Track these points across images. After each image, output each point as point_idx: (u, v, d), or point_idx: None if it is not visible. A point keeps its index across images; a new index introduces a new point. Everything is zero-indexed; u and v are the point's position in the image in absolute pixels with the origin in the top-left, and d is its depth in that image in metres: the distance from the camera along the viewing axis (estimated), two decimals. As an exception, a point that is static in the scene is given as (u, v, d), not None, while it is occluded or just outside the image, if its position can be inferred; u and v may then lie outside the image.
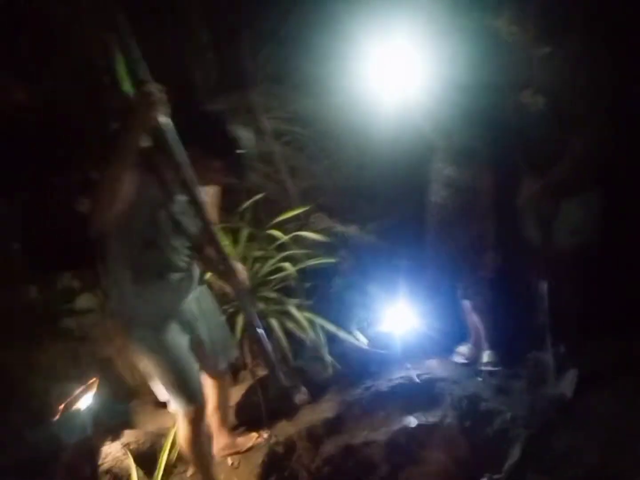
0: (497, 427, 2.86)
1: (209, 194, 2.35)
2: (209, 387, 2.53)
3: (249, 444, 2.94)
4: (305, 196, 3.92)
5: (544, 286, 2.91)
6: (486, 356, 3.28)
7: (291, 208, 3.61)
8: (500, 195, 2.87)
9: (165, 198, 2.04)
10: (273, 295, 3.38)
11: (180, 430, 2.37)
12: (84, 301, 2.74)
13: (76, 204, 2.69)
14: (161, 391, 2.26)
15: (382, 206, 4.00)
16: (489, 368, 3.23)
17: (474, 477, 2.49)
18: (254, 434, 3.00)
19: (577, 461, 2.39)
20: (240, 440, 2.96)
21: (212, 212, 2.32)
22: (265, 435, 2.99)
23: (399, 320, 3.43)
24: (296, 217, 3.67)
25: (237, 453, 2.91)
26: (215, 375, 2.55)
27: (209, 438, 2.58)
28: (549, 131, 2.54)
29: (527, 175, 2.78)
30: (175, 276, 2.18)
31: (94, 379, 2.42)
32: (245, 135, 2.08)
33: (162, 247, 2.08)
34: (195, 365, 2.27)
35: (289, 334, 3.25)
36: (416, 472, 3.17)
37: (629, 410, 2.49)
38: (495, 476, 2.47)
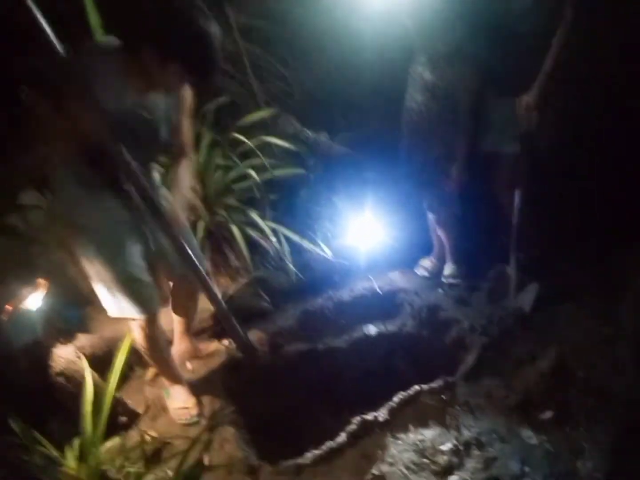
0: (455, 335, 2.93)
1: (187, 99, 2.17)
2: (176, 295, 2.51)
3: (210, 350, 2.92)
4: (273, 101, 3.69)
5: (511, 200, 2.89)
6: (448, 269, 3.31)
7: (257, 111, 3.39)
8: (477, 104, 2.75)
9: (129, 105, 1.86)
10: (236, 204, 3.24)
11: (134, 337, 2.32)
12: (28, 197, 2.55)
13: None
14: (107, 300, 2.17)
15: (355, 117, 3.83)
16: (451, 281, 3.27)
17: (430, 381, 2.55)
18: (215, 341, 2.99)
19: (531, 367, 2.48)
20: (202, 346, 2.93)
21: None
22: (226, 342, 2.97)
23: (363, 232, 3.38)
24: (262, 123, 3.47)
25: (197, 358, 2.91)
26: (182, 283, 2.46)
27: (167, 343, 2.54)
28: (535, 25, 2.41)
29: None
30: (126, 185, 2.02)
31: (44, 280, 2.29)
32: (213, 30, 1.79)
33: (115, 155, 1.89)
34: (145, 275, 2.17)
35: (251, 243, 3.17)
36: (374, 378, 3.28)
37: (588, 324, 2.56)
38: (450, 379, 2.54)
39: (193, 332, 2.90)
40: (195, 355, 2.90)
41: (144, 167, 2.06)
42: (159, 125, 2.06)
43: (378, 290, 3.30)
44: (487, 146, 2.85)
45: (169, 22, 1.72)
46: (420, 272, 3.42)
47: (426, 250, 3.47)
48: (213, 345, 2.96)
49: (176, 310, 2.65)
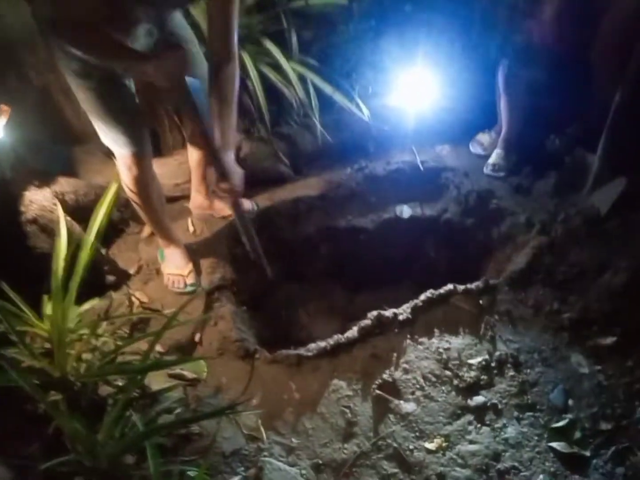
0: (506, 229, 2.43)
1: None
2: (191, 139, 2.24)
3: (226, 213, 2.53)
4: None
5: (615, 73, 2.17)
6: (494, 157, 2.67)
7: None
8: None
9: None
10: (256, 38, 2.59)
11: (122, 179, 1.97)
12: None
13: None
14: (99, 127, 1.84)
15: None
16: (491, 173, 2.65)
17: (469, 280, 2.12)
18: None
19: (597, 280, 2.00)
20: (218, 205, 2.53)
21: None
22: (246, 203, 2.56)
23: (412, 92, 2.73)
24: None
25: (211, 217, 2.56)
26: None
27: (161, 197, 2.13)
28: None
29: None
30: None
31: (6, 106, 1.84)
32: None
33: None
34: (134, 106, 1.85)
35: (272, 91, 2.59)
36: (401, 269, 2.88)
37: None
38: (492, 281, 2.10)
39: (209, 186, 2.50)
40: (209, 213, 2.56)
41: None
42: None
43: (420, 165, 2.74)
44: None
45: None
46: (475, 148, 2.82)
47: (487, 124, 2.82)
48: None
49: (193, 161, 2.36)
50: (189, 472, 1.49)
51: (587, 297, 1.98)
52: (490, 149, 2.75)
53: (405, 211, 2.72)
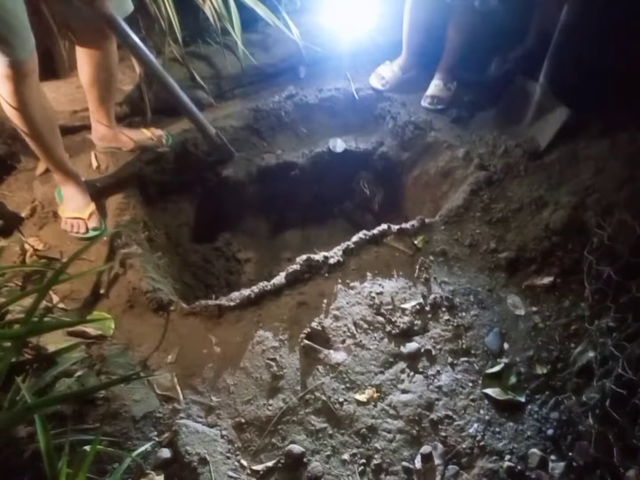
0: (443, 164, 2.28)
1: None
2: (83, 52, 1.92)
3: (133, 145, 2.21)
4: None
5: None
6: (433, 88, 2.45)
7: None
8: None
9: None
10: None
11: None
12: None
13: None
14: None
15: None
16: (427, 105, 2.44)
17: (402, 220, 1.97)
18: (143, 131, 2.25)
19: (536, 217, 1.90)
20: (124, 137, 2.22)
21: None
22: (157, 132, 2.25)
23: (346, 9, 2.44)
24: None
25: (117, 149, 2.24)
26: (93, 32, 1.84)
27: (45, 117, 1.78)
28: None
29: None
30: None
31: None
32: None
33: None
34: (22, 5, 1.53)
35: (186, 3, 2.22)
36: (334, 207, 2.70)
37: (619, 174, 1.88)
38: (427, 220, 1.96)
39: (116, 117, 2.22)
40: (115, 146, 2.24)
41: None
42: None
43: (355, 94, 2.50)
44: None
45: None
46: (374, 82, 2.53)
47: (432, 48, 2.57)
48: (138, 135, 2.24)
49: (85, 80, 2.01)
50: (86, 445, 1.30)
51: (524, 235, 1.89)
52: (391, 84, 2.51)
53: (339, 145, 2.50)
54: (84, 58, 1.93)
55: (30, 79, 1.64)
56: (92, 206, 2.00)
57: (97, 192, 2.10)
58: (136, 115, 2.33)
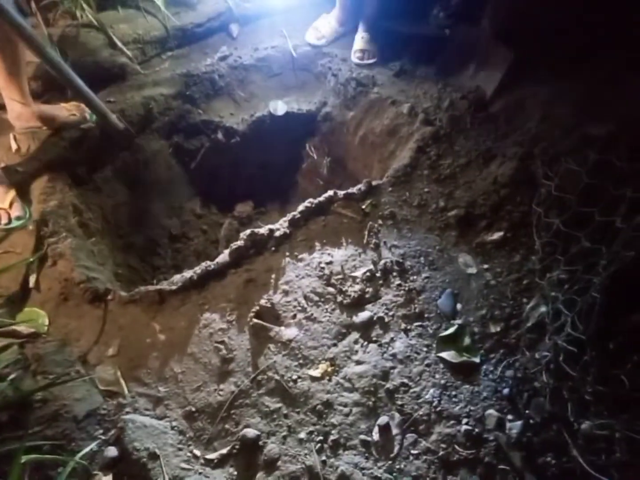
0: (388, 122, 2.18)
1: None
2: None
3: (54, 123, 2.02)
4: None
5: None
6: (360, 42, 2.30)
7: None
8: None
9: None
10: None
11: None
12: None
13: None
14: None
15: None
16: (357, 61, 2.31)
17: (349, 185, 1.88)
18: (64, 107, 2.06)
19: (484, 170, 1.85)
20: (43, 115, 2.01)
21: None
22: (79, 107, 2.06)
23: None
24: None
25: (35, 127, 2.05)
26: None
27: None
28: None
29: None
30: None
31: None
32: None
33: None
34: None
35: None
36: (279, 175, 2.58)
37: (568, 121, 1.81)
38: (375, 182, 1.89)
39: (30, 93, 1.99)
40: (35, 125, 2.05)
41: None
42: None
43: (292, 51, 2.36)
44: None
45: None
46: (310, 37, 2.39)
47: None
48: (59, 111, 2.04)
49: None
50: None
51: (473, 191, 1.84)
52: (328, 39, 2.37)
53: (280, 107, 2.36)
54: None
55: None
56: (11, 194, 1.83)
57: (20, 177, 1.93)
58: (53, 90, 2.12)
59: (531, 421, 1.36)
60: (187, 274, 1.69)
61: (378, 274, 1.68)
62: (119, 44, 2.13)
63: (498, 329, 1.54)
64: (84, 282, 1.67)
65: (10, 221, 1.80)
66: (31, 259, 1.72)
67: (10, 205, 1.81)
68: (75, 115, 2.06)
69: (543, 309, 1.47)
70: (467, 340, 1.51)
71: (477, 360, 1.48)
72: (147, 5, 2.16)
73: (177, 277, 1.70)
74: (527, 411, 1.38)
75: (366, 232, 1.77)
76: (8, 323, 1.59)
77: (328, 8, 2.41)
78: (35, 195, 1.91)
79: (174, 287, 1.66)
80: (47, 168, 1.98)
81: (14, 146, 2.04)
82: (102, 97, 2.11)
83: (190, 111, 2.24)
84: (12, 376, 1.49)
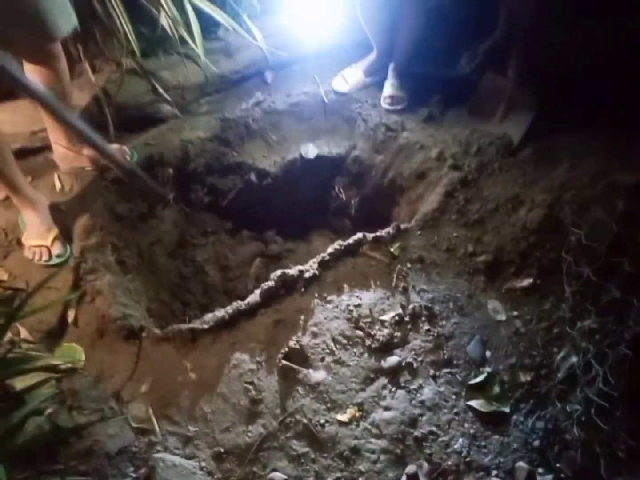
0: (416, 166, 2.22)
1: None
2: (31, 70, 1.78)
3: (96, 164, 2.12)
4: None
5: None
6: (390, 88, 2.38)
7: None
8: None
9: None
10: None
11: None
12: None
13: None
14: None
15: None
16: (387, 107, 2.38)
17: (383, 223, 1.92)
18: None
19: (512, 216, 1.86)
20: (87, 156, 2.11)
21: None
22: (121, 149, 2.16)
23: (307, 8, 2.36)
24: None
25: (82, 170, 2.13)
26: (39, 51, 1.73)
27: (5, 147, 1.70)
28: None
29: None
30: None
31: None
32: None
33: None
34: None
35: (141, 12, 2.13)
36: (309, 216, 2.64)
37: (594, 168, 1.85)
38: (403, 226, 1.92)
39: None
40: (79, 165, 2.12)
41: None
42: None
43: (324, 97, 2.44)
44: None
45: None
46: (337, 85, 2.45)
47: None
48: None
49: None
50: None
51: (501, 236, 1.86)
52: (354, 87, 2.44)
53: (311, 150, 2.44)
54: (32, 77, 1.84)
55: None
56: (55, 231, 1.92)
57: (63, 216, 2.02)
58: (97, 132, 2.23)
59: (562, 475, 1.34)
60: (219, 313, 1.73)
61: (407, 318, 1.69)
62: (160, 90, 2.24)
63: (528, 378, 1.53)
64: (120, 318, 1.73)
65: (50, 258, 1.89)
66: (71, 296, 1.79)
67: (52, 243, 1.90)
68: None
69: (574, 359, 1.46)
70: (496, 389, 1.51)
71: (507, 410, 1.47)
72: (188, 52, 2.28)
73: (209, 316, 1.74)
74: (557, 464, 1.36)
75: (395, 276, 1.79)
76: (47, 357, 1.65)
77: (355, 55, 2.50)
78: (77, 233, 1.99)
79: (205, 326, 1.70)
80: (88, 206, 2.07)
81: (57, 185, 2.14)
82: (142, 140, 2.21)
83: (225, 153, 2.33)
84: (49, 411, 1.54)
